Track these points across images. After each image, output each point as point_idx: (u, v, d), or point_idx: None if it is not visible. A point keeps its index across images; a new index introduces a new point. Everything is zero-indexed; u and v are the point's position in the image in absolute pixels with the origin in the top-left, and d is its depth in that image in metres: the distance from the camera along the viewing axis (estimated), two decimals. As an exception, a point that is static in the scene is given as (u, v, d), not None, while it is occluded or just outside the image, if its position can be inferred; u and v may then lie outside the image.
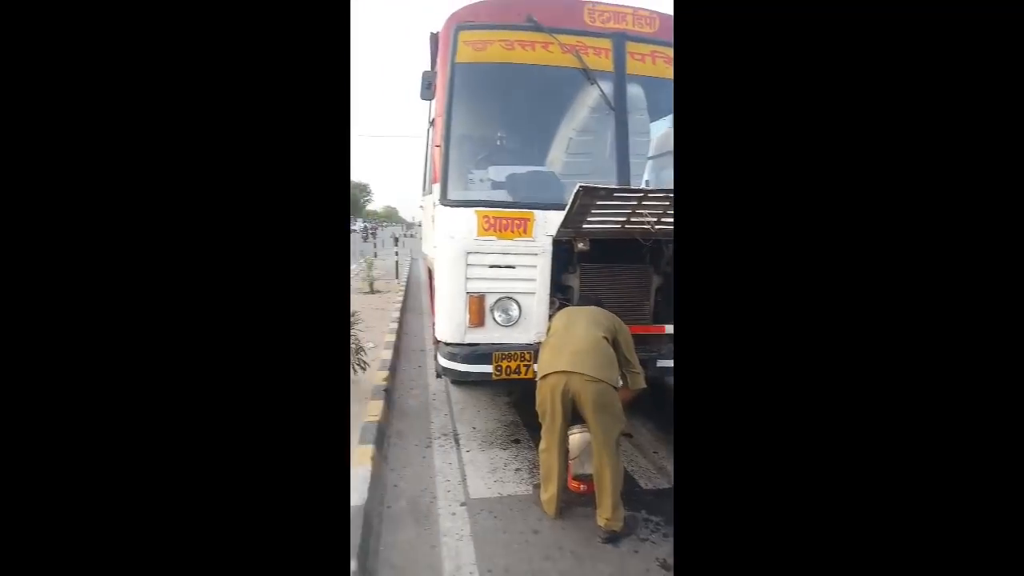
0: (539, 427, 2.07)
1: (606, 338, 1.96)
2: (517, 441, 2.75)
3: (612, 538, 1.88)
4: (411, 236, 24.20)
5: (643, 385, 2.08)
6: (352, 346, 3.02)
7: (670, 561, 1.80)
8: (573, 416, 1.98)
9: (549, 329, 2.14)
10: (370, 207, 70.14)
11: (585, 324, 1.98)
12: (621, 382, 2.02)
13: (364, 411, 2.83)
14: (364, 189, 64.65)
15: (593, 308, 2.11)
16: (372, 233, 23.88)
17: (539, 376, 2.00)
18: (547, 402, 1.95)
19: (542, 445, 2.03)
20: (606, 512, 1.87)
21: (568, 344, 1.92)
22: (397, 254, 10.74)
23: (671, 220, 2.33)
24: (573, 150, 2.91)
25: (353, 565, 1.57)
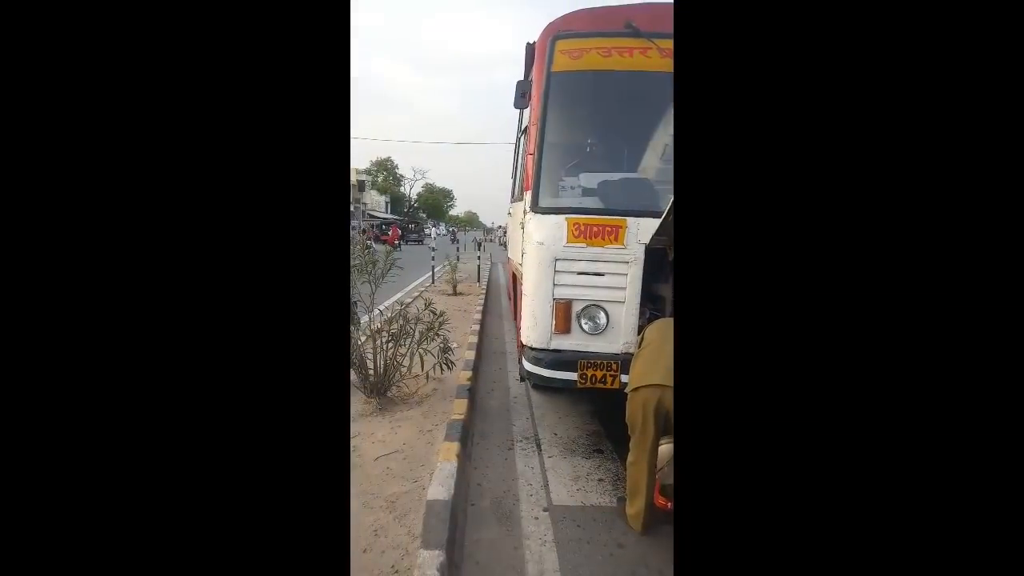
0: (623, 439, 2.02)
1: None
2: (600, 451, 2.71)
3: None
4: (490, 241, 24.70)
5: None
6: (440, 345, 3.13)
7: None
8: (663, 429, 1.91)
9: (641, 340, 2.08)
10: (452, 212, 72.60)
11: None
12: None
13: (450, 409, 2.93)
14: (448, 195, 67.06)
15: None
16: (454, 237, 24.68)
17: (630, 388, 1.96)
18: (638, 415, 1.90)
19: (630, 458, 1.98)
20: None
21: (663, 357, 1.86)
22: (479, 258, 11.02)
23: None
24: (669, 156, 2.83)
25: (441, 557, 1.63)
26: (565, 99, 2.60)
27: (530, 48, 2.81)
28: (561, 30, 2.60)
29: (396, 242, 18.86)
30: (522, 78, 3.11)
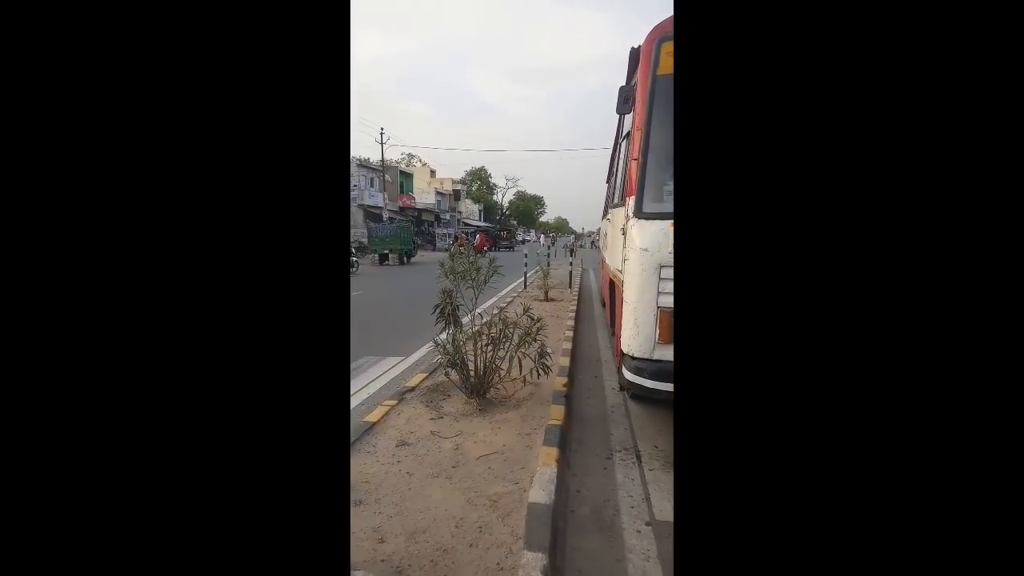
0: None
1: None
2: (704, 468, 2.57)
3: None
4: (581, 246, 24.50)
5: None
6: (537, 350, 3.17)
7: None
8: None
9: None
10: (543, 219, 73.15)
11: None
12: None
13: (547, 414, 2.95)
14: (539, 202, 67.72)
15: None
16: (550, 244, 24.88)
17: None
18: None
19: None
20: None
21: None
22: (571, 264, 10.99)
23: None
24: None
25: (544, 560, 1.65)
26: (671, 102, 2.52)
27: (634, 52, 2.77)
28: (667, 33, 2.54)
29: (484, 248, 19.40)
30: (624, 83, 3.07)
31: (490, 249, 22.52)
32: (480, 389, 3.21)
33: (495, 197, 56.67)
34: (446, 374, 3.43)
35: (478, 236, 26.94)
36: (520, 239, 34.46)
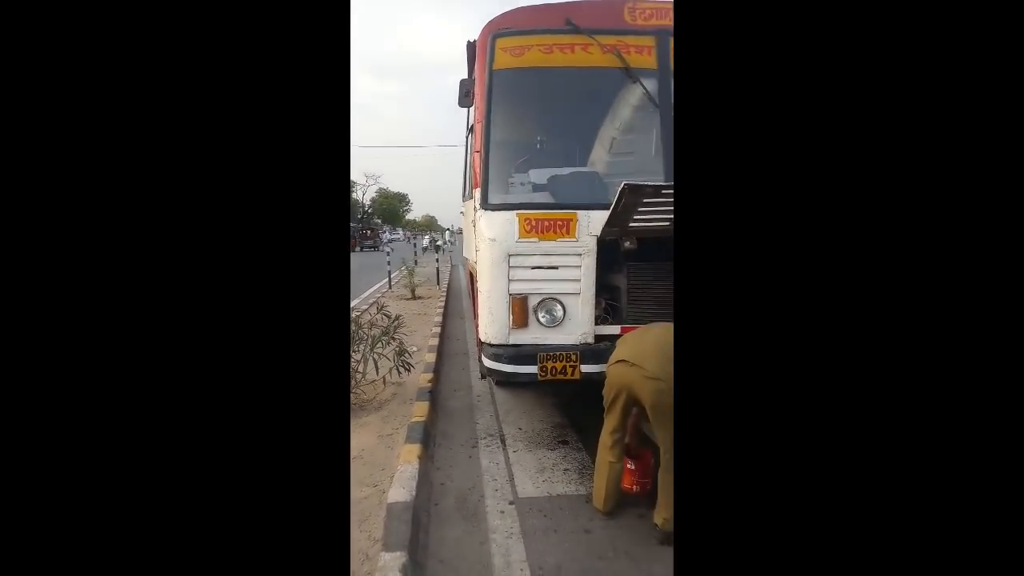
0: (589, 428, 2.07)
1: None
2: (565, 442, 2.74)
3: (669, 539, 1.81)
4: (447, 242, 24.56)
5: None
6: (395, 349, 3.09)
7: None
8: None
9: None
10: (409, 216, 71.71)
11: (663, 332, 1.89)
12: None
13: (410, 412, 2.89)
14: (403, 199, 66.19)
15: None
16: (413, 242, 24.43)
17: (611, 360, 1.99)
18: (610, 391, 1.95)
19: (600, 437, 2.02)
20: (666, 511, 1.81)
21: (639, 342, 1.90)
22: (438, 261, 10.93)
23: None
24: (617, 150, 2.90)
25: (403, 558, 1.61)
26: (508, 96, 2.61)
27: (471, 46, 2.81)
28: (501, 28, 2.62)
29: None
30: (466, 77, 3.11)
31: (353, 250, 21.41)
32: (338, 395, 3.03)
33: (355, 195, 54.07)
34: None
35: None
36: (386, 239, 33.41)
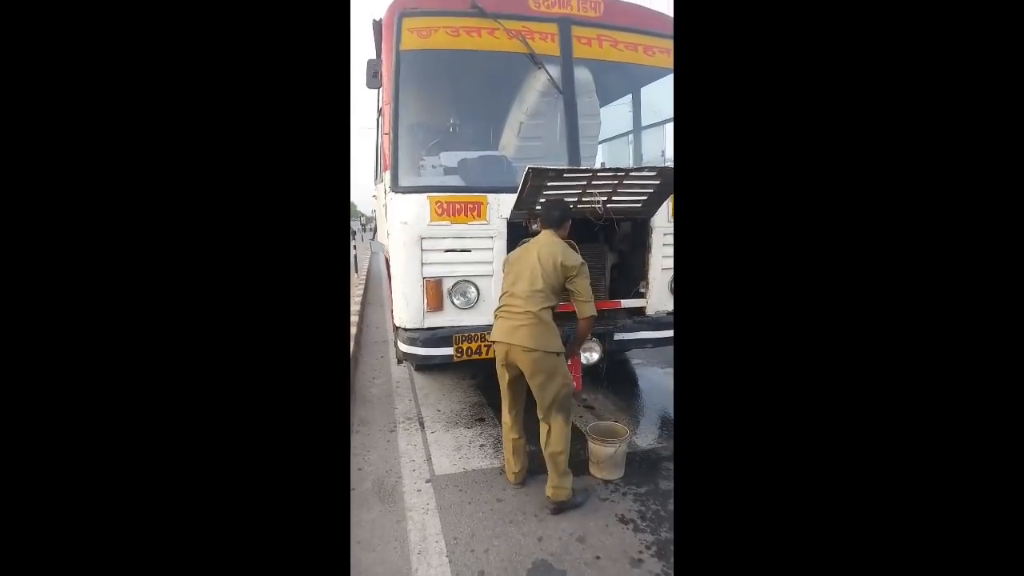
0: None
1: (544, 290, 1.88)
2: (482, 420, 2.82)
3: (560, 508, 1.93)
4: (365, 229, 23.77)
5: (592, 312, 1.95)
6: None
7: (628, 515, 1.92)
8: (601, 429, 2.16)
9: (505, 265, 2.09)
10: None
11: (527, 284, 1.90)
12: (562, 346, 1.96)
13: (327, 401, 2.83)
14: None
15: (539, 253, 1.92)
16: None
17: (490, 339, 2.02)
18: (500, 371, 2.02)
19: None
20: (552, 480, 1.93)
21: (510, 317, 1.91)
22: (355, 247, 10.58)
23: (620, 199, 2.44)
24: (525, 134, 2.97)
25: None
26: (416, 78, 2.59)
27: (377, 25, 2.74)
28: (408, 8, 2.58)
29: None
30: (373, 57, 3.04)
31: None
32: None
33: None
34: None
35: None
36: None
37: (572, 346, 2.07)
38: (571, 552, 1.72)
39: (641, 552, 1.72)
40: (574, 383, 2.16)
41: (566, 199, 2.28)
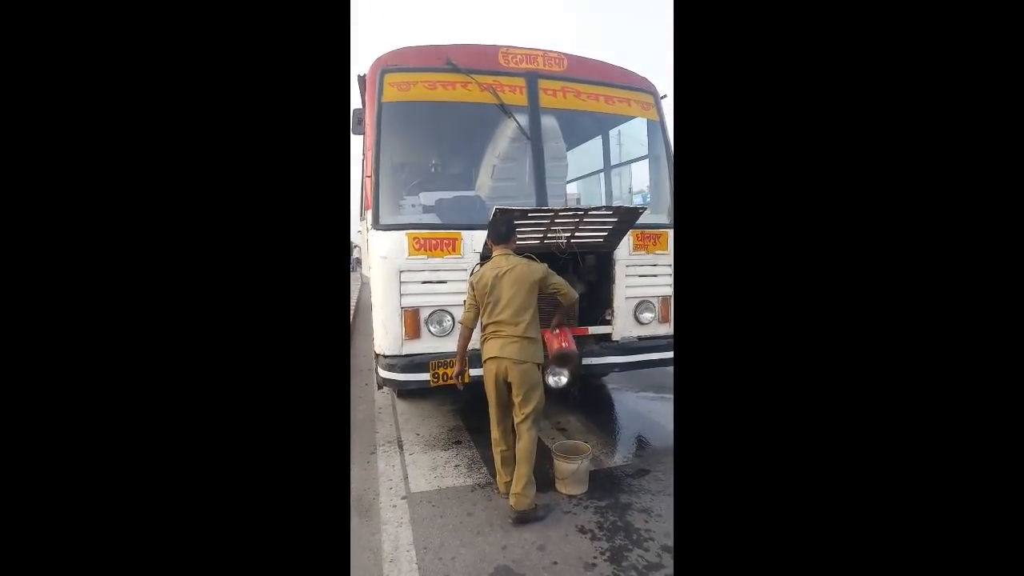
0: (481, 429, 2.30)
1: (527, 312, 2.13)
2: (458, 442, 2.97)
3: (522, 518, 2.08)
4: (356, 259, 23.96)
5: (575, 296, 2.25)
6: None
7: (587, 526, 2.07)
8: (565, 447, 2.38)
9: (476, 288, 2.25)
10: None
11: (512, 313, 2.12)
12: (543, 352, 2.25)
13: (311, 426, 2.97)
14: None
15: (515, 280, 2.14)
16: None
17: (483, 360, 2.23)
18: (489, 386, 2.21)
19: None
20: (515, 488, 2.09)
21: (500, 338, 2.15)
22: (346, 279, 10.74)
23: (583, 235, 2.67)
24: (497, 176, 3.23)
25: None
26: (396, 126, 2.86)
27: (361, 80, 3.03)
28: (389, 64, 2.86)
29: None
30: (359, 107, 3.31)
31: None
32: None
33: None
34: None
35: None
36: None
37: (560, 317, 2.33)
38: (531, 558, 1.87)
39: (595, 558, 1.88)
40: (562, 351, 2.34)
41: (534, 234, 2.51)
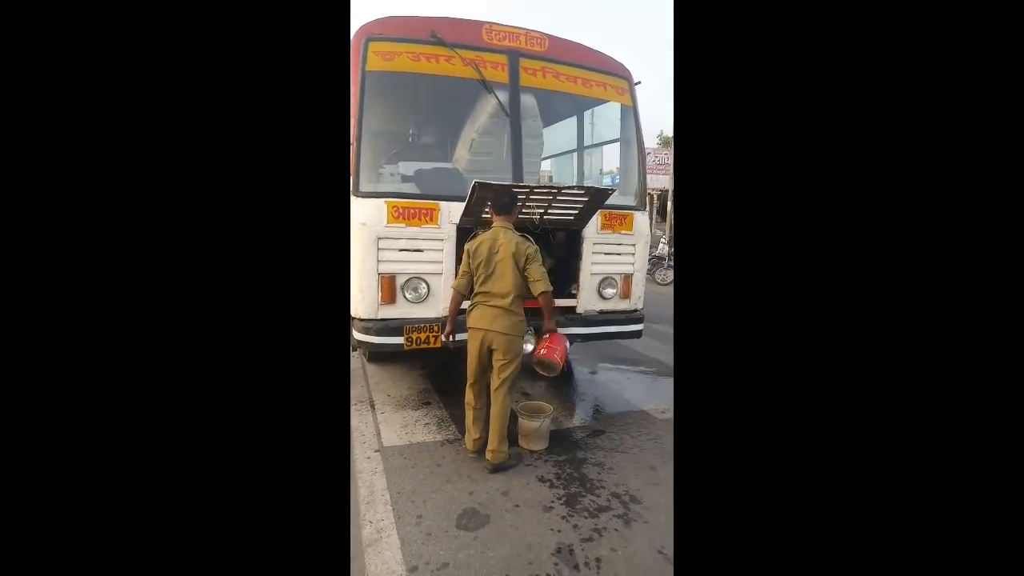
0: (451, 391, 2.45)
1: (516, 287, 2.27)
2: (428, 403, 3.14)
3: (497, 468, 2.32)
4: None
5: (544, 288, 2.29)
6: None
7: (546, 476, 2.29)
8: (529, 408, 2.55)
9: (472, 256, 2.36)
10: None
11: (504, 285, 2.27)
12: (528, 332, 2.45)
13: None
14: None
15: (512, 254, 2.27)
16: None
17: (468, 327, 2.37)
18: (472, 352, 2.36)
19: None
20: (492, 445, 2.32)
21: (490, 308, 2.29)
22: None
23: (557, 211, 2.83)
24: (476, 150, 3.33)
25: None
26: (380, 96, 2.91)
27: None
28: (374, 32, 2.89)
29: None
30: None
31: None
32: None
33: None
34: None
35: None
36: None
37: (545, 321, 2.46)
38: (496, 502, 2.08)
39: (553, 502, 2.10)
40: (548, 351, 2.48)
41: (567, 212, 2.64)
